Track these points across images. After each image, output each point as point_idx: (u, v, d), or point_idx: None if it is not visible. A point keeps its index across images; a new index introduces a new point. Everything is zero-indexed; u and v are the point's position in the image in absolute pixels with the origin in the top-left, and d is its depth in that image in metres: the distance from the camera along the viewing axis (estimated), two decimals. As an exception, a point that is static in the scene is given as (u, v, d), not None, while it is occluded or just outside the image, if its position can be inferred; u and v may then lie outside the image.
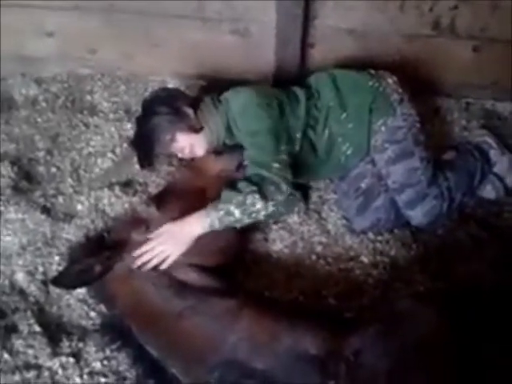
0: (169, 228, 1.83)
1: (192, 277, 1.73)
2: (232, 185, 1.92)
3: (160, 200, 1.93)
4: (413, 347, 1.37)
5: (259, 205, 1.85)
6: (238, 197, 1.84)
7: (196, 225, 1.82)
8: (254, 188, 1.86)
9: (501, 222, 2.25)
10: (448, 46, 2.54)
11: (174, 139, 2.07)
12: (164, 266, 1.76)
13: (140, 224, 1.85)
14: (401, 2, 2.38)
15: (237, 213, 1.83)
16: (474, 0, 2.36)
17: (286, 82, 2.43)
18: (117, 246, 1.79)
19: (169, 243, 1.79)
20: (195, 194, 1.96)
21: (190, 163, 2.18)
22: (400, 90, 2.16)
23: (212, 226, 1.83)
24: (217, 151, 2.17)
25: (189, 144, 2.11)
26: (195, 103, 2.16)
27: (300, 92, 2.20)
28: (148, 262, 1.76)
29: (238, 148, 2.10)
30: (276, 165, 1.94)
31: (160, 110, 2.07)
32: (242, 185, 1.89)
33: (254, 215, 1.87)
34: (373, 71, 2.22)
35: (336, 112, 2.15)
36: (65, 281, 1.74)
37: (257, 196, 1.85)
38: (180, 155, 2.17)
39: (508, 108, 2.70)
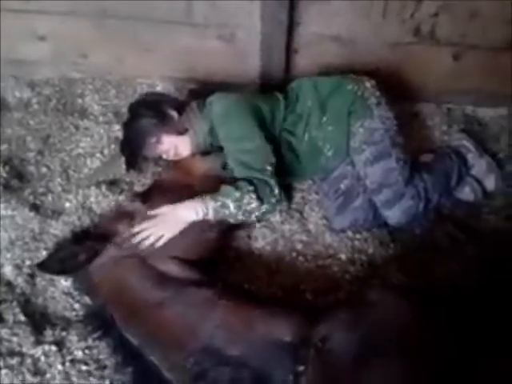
0: (166, 210, 1.92)
1: (173, 269, 1.79)
2: (231, 182, 1.99)
3: (146, 195, 2.00)
4: (380, 335, 1.43)
5: (254, 205, 1.95)
6: (236, 193, 1.93)
7: (192, 210, 1.92)
8: (252, 188, 1.95)
9: (479, 223, 2.31)
10: (429, 53, 2.62)
11: (160, 141, 2.15)
12: (158, 245, 1.85)
13: (125, 217, 1.92)
14: (383, 9, 2.47)
15: (232, 207, 1.92)
16: (453, 7, 2.44)
17: (272, 87, 2.52)
18: (102, 237, 1.86)
19: (164, 224, 1.89)
20: (181, 190, 2.02)
21: (177, 163, 2.25)
22: (378, 94, 2.23)
23: (206, 215, 1.92)
24: (203, 152, 2.24)
25: (173, 146, 2.19)
26: (181, 106, 2.24)
27: (280, 97, 2.28)
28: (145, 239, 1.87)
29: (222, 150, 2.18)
30: (269, 168, 2.04)
31: (145, 114, 2.16)
32: (241, 184, 1.97)
33: (247, 214, 1.97)
34: (353, 76, 2.30)
35: (317, 116, 2.23)
36: (49, 266, 1.82)
37: (253, 196, 1.95)
38: (165, 157, 2.24)
39: (489, 114, 2.78)
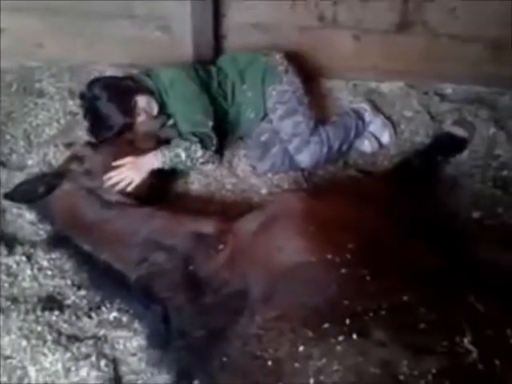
0: (132, 160, 2.36)
1: (116, 198, 2.22)
2: (181, 136, 2.48)
3: (95, 145, 2.42)
4: (275, 219, 1.88)
5: (199, 153, 2.43)
6: (185, 143, 2.42)
7: (154, 160, 2.39)
8: (197, 139, 2.43)
9: (374, 168, 2.84)
10: (333, 36, 3.16)
11: (136, 103, 2.52)
12: (129, 189, 2.28)
13: (77, 160, 2.33)
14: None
15: (183, 156, 2.40)
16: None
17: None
18: (57, 175, 2.29)
19: (132, 171, 2.32)
20: (124, 143, 2.46)
21: None
22: (285, 63, 2.76)
23: (164, 163, 2.39)
24: None
25: (147, 103, 2.57)
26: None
27: (213, 69, 2.77)
28: (116, 184, 2.26)
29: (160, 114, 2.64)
30: (210, 123, 2.53)
31: (113, 86, 2.51)
32: (188, 136, 2.44)
33: (194, 161, 2.45)
34: (265, 51, 2.82)
35: (238, 85, 2.74)
36: (14, 196, 2.23)
37: (199, 146, 2.43)
38: (140, 119, 2.56)
39: (388, 87, 3.33)
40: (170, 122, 2.65)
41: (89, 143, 2.45)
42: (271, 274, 1.63)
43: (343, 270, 1.54)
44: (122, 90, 2.52)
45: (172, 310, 1.79)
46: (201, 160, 2.48)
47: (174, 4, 2.96)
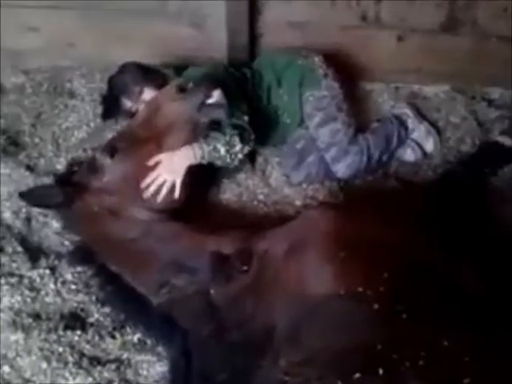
0: (166, 157, 2.10)
1: (141, 213, 2.08)
2: (218, 129, 2.22)
3: (114, 148, 2.14)
4: (305, 245, 1.75)
5: (238, 147, 2.22)
6: (224, 137, 2.19)
7: (190, 154, 2.13)
8: (236, 132, 2.21)
9: (417, 178, 2.67)
10: (375, 36, 2.99)
11: (142, 92, 2.51)
12: (176, 195, 2.08)
13: (96, 171, 2.13)
14: (332, -2, 2.85)
15: (222, 150, 2.17)
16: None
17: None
18: (77, 186, 2.13)
19: (169, 173, 2.08)
20: (148, 143, 2.15)
21: (152, 100, 2.35)
22: (324, 67, 2.61)
23: (202, 158, 2.15)
24: (180, 87, 2.24)
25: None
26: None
27: (247, 71, 2.64)
28: (157, 192, 2.06)
29: (203, 83, 2.24)
30: (246, 117, 2.32)
31: (133, 69, 2.59)
32: (226, 130, 2.21)
33: (233, 156, 2.23)
34: (303, 52, 2.67)
35: (275, 88, 2.60)
36: (30, 198, 2.11)
37: (237, 139, 2.21)
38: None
39: (432, 90, 3.14)
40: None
41: (107, 146, 2.20)
42: (297, 309, 1.50)
43: (376, 306, 1.40)
44: (136, 72, 2.58)
45: (194, 344, 1.69)
46: (239, 155, 2.25)
47: (209, 1, 2.84)
